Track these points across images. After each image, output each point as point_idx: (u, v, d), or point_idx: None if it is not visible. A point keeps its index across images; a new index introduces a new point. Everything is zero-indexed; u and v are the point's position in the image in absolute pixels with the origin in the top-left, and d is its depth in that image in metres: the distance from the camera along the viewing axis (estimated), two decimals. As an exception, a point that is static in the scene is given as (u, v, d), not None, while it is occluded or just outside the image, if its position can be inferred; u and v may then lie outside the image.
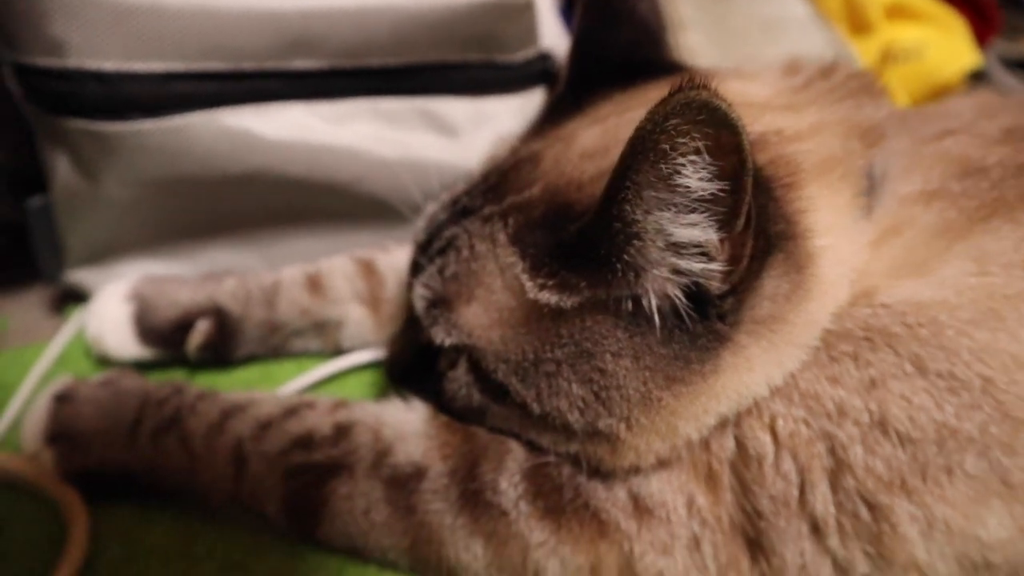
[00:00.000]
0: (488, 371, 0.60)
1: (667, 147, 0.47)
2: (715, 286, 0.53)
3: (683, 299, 0.54)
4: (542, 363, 0.58)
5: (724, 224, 0.51)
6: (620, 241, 0.52)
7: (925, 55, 1.26)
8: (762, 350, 0.55)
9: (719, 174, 0.48)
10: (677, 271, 0.53)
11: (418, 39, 0.86)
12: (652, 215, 0.50)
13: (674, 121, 0.46)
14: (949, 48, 1.29)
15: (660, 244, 0.52)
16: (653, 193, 0.49)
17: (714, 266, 0.52)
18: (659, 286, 0.54)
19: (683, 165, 0.48)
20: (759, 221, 0.53)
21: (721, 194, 0.49)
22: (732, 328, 0.55)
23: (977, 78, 1.37)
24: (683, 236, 0.51)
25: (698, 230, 0.51)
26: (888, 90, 0.70)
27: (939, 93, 1.27)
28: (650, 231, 0.51)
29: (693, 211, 0.50)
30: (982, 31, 1.39)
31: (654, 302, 0.54)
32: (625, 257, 0.53)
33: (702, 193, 0.49)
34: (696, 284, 0.53)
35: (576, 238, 0.55)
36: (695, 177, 0.48)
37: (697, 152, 0.47)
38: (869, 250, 0.58)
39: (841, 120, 0.63)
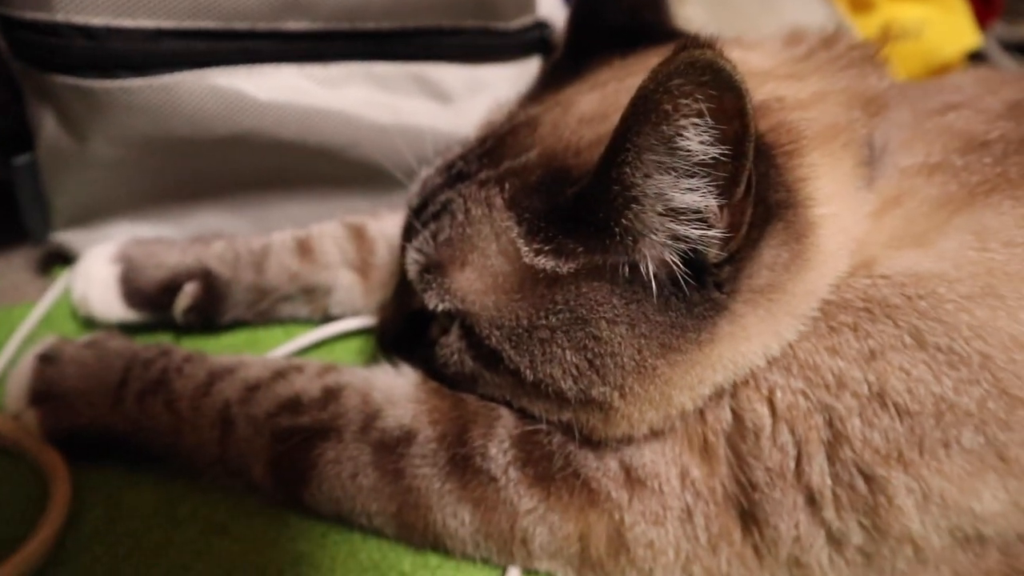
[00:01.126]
0: (481, 337, 0.59)
1: (669, 108, 0.46)
2: (713, 254, 0.52)
3: (680, 266, 0.53)
4: (536, 329, 0.57)
5: (724, 190, 0.50)
6: (618, 205, 0.51)
7: (924, 34, 1.25)
8: (759, 320, 0.55)
9: (721, 138, 0.47)
10: (675, 237, 0.52)
11: (413, 2, 0.84)
12: (652, 179, 0.50)
13: (677, 81, 0.45)
14: (949, 28, 1.28)
15: (659, 209, 0.51)
16: (653, 156, 0.49)
17: (713, 233, 0.51)
18: (656, 252, 0.53)
19: (685, 128, 0.47)
20: (759, 188, 0.52)
21: (722, 159, 0.48)
22: (729, 297, 0.54)
23: (976, 59, 1.36)
24: (682, 201, 0.50)
25: (698, 195, 0.50)
26: (890, 62, 0.68)
27: (937, 73, 1.26)
28: (649, 195, 0.50)
29: (693, 176, 0.49)
30: (983, 14, 1.39)
31: (651, 269, 0.53)
32: (623, 222, 0.52)
33: (703, 157, 0.48)
34: (694, 251, 0.52)
35: (573, 202, 0.54)
36: (696, 140, 0.47)
37: (700, 115, 0.46)
38: (869, 220, 0.57)
39: (844, 89, 0.62)
